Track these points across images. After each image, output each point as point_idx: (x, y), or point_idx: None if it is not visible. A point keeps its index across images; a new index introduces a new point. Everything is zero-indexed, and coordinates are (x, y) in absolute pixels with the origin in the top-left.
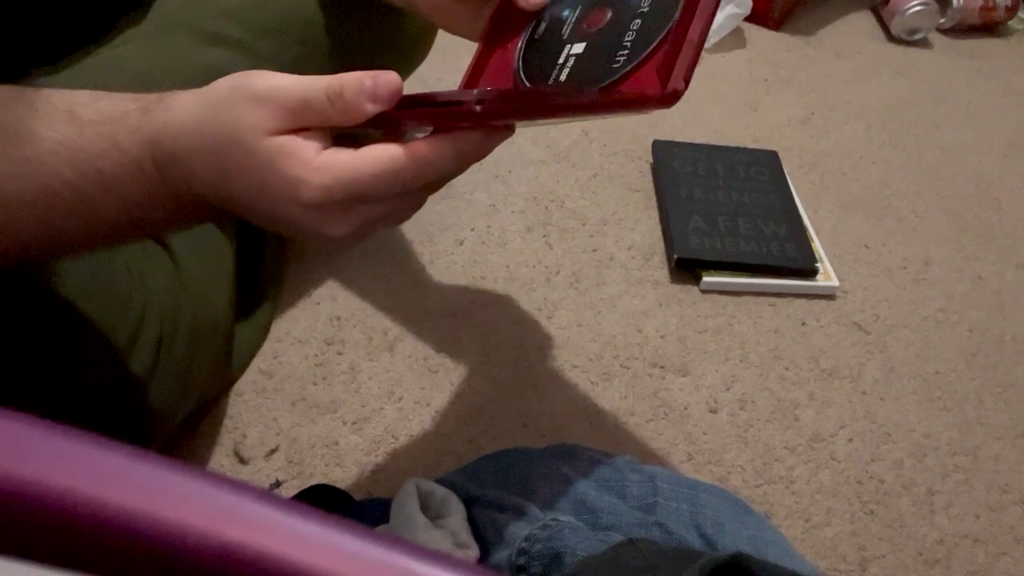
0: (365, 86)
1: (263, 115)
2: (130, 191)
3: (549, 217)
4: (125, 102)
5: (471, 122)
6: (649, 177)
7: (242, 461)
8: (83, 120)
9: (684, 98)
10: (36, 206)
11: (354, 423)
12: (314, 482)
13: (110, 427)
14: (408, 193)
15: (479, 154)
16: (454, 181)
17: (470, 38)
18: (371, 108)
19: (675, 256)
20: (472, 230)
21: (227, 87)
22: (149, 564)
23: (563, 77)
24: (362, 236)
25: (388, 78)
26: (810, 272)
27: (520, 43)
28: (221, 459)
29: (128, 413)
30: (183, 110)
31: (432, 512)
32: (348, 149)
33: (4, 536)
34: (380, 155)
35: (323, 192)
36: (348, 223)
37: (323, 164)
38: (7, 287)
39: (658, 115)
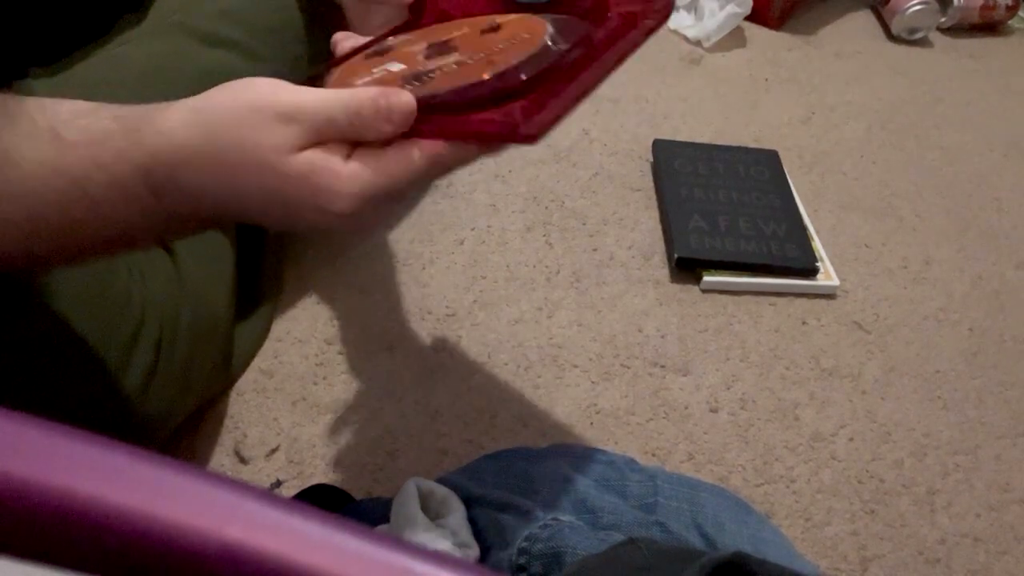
0: (380, 107)
1: (289, 134)
2: (119, 212)
3: (549, 217)
4: (107, 121)
5: (505, 134)
6: (649, 177)
7: (243, 461)
8: (65, 141)
9: (684, 98)
10: (21, 227)
11: (354, 423)
12: (314, 482)
13: (110, 426)
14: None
15: (498, 151)
16: (454, 180)
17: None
18: (387, 129)
19: (675, 255)
20: (472, 230)
21: (238, 105)
22: (149, 564)
23: None
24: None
25: (402, 100)
26: (810, 271)
27: None
28: (222, 459)
29: (128, 412)
30: (179, 132)
31: (432, 512)
32: (372, 153)
33: (4, 536)
34: (405, 159)
35: (354, 201)
36: (371, 219)
37: (352, 174)
38: (6, 287)
39: (659, 115)
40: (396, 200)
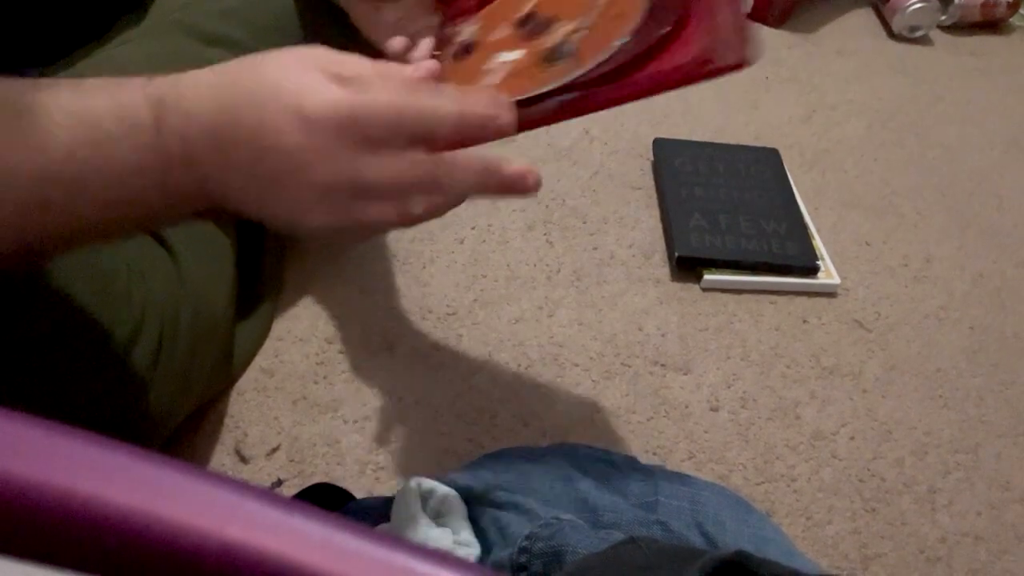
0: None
1: (317, 54)
2: (122, 147)
3: (550, 215)
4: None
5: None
6: (650, 175)
7: (243, 460)
8: (86, 85)
9: (685, 96)
10: (29, 177)
11: (355, 422)
12: (315, 481)
13: (111, 426)
14: (407, 160)
15: (483, 130)
16: None
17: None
18: (397, 43)
19: (676, 254)
20: (473, 228)
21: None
22: (150, 563)
23: None
24: (348, 219)
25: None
26: (811, 270)
27: None
28: (222, 458)
29: (129, 412)
30: (210, 69)
31: (433, 511)
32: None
33: (4, 536)
34: (386, 89)
35: (323, 110)
36: (336, 167)
37: (333, 86)
38: (9, 286)
39: (659, 113)
40: (373, 162)
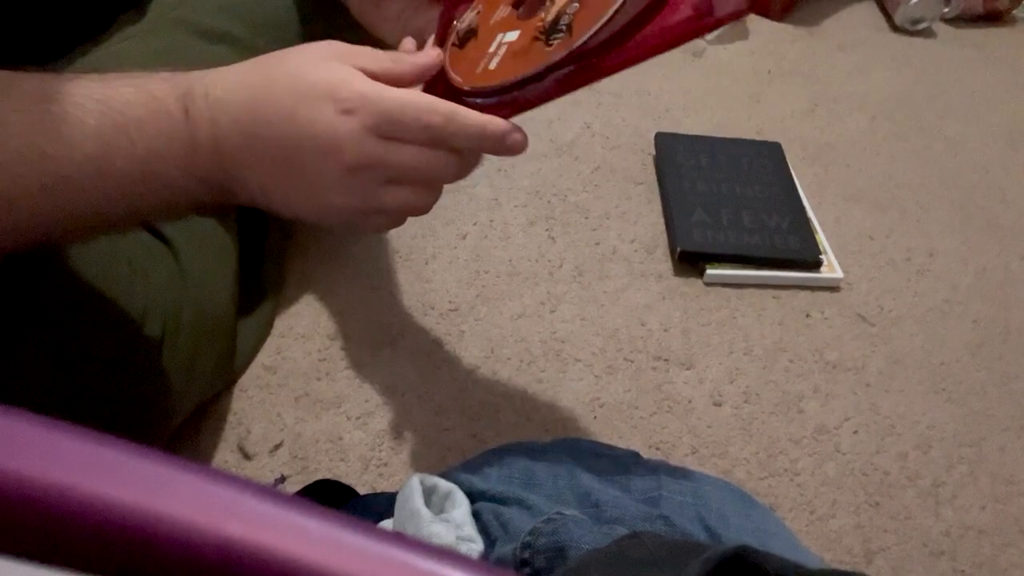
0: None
1: (335, 46)
2: (148, 132)
3: (552, 211)
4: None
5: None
6: (652, 170)
7: (246, 457)
8: (112, 76)
9: (687, 90)
10: (58, 159)
11: (358, 418)
12: (318, 477)
13: (114, 424)
14: (430, 150)
15: (498, 143)
16: None
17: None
18: (408, 43)
19: (678, 249)
20: (475, 224)
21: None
22: (151, 561)
23: None
24: (370, 203)
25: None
26: (814, 264)
27: None
28: (225, 455)
29: (132, 409)
30: (233, 66)
31: (436, 506)
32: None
33: (4, 536)
34: (416, 93)
35: (359, 97)
36: (365, 149)
37: (366, 78)
38: (14, 285)
39: (661, 108)
40: (397, 151)
